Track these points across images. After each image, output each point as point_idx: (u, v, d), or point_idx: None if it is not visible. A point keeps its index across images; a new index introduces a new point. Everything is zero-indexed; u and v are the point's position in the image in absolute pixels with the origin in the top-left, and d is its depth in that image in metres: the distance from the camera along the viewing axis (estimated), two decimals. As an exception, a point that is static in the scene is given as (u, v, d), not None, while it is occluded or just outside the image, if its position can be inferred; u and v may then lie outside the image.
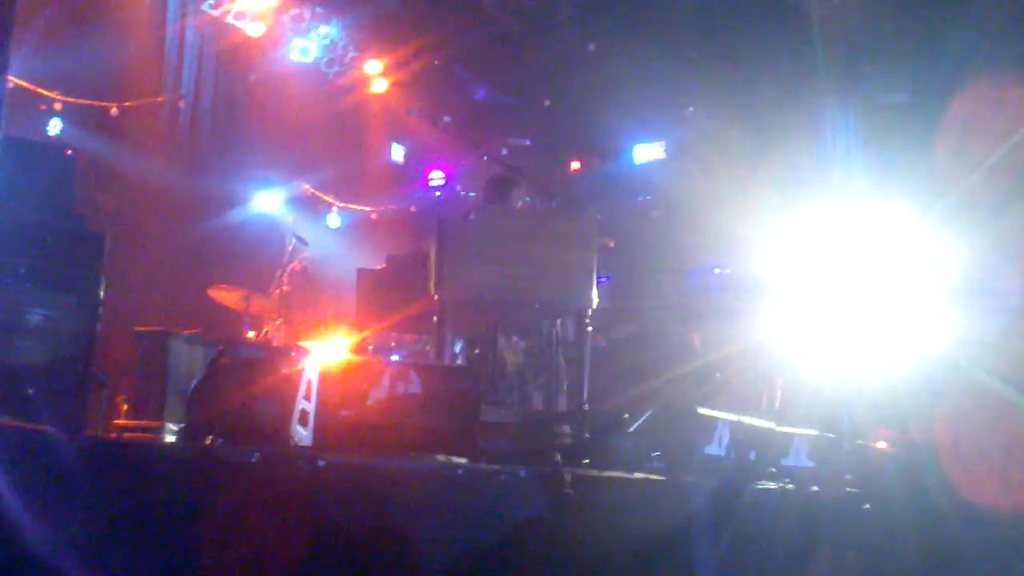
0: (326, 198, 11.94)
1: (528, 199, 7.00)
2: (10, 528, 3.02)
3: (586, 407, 5.85)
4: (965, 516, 6.07)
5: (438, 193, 13.67)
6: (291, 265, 8.95)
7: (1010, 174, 8.73)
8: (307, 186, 11.61)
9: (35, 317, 5.00)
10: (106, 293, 5.46)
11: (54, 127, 9.04)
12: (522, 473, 4.26)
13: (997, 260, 8.48)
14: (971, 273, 8.58)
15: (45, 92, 8.82)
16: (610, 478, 4.74)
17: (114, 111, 9.63)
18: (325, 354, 6.61)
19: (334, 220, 12.13)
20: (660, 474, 5.21)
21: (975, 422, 6.75)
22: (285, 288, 8.74)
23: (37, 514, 3.09)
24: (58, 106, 9.02)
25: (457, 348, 6.62)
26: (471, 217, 6.66)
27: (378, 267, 7.10)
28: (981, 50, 9.95)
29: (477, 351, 6.68)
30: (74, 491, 3.18)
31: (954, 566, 5.86)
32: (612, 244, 6.25)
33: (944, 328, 8.27)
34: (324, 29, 11.31)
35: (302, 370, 4.63)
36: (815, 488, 5.75)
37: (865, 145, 13.18)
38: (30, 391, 4.80)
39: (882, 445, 7.42)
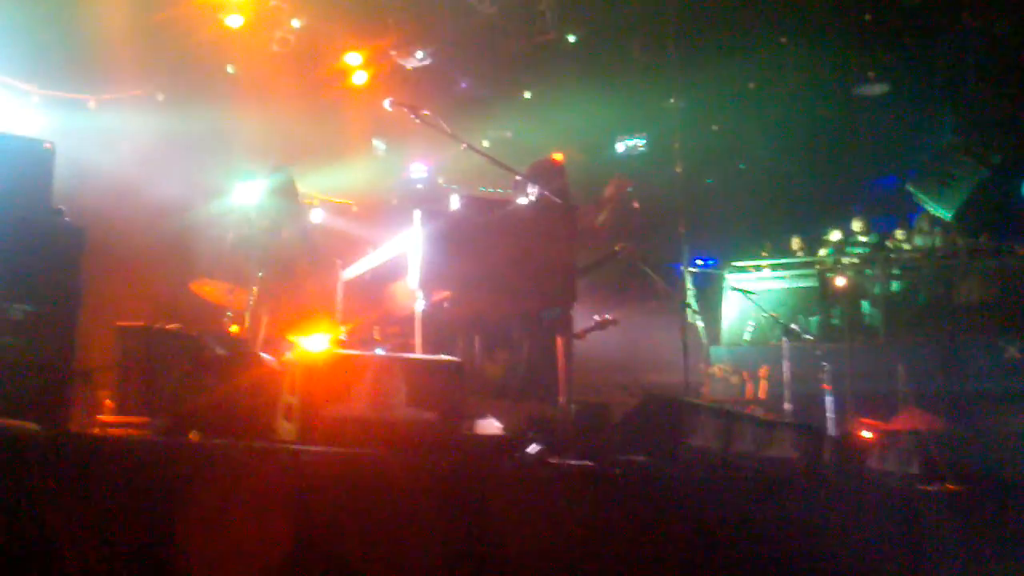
0: (306, 191, 11.89)
1: (511, 190, 6.98)
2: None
3: (571, 399, 5.85)
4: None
5: (419, 186, 13.65)
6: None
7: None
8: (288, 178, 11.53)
9: (16, 313, 4.96)
10: (87, 288, 5.41)
11: (33, 120, 8.96)
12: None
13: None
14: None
15: (23, 85, 8.75)
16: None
17: (92, 104, 9.58)
18: (309, 347, 6.59)
19: (316, 214, 12.08)
20: (645, 465, 5.22)
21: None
22: (273, 283, 8.68)
23: (20, 511, 3.06)
24: (36, 99, 8.95)
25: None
26: (452, 210, 6.65)
27: (360, 260, 7.07)
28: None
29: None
30: (58, 488, 3.15)
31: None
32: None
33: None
34: (303, 20, 11.25)
35: (286, 364, 4.61)
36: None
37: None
38: (12, 388, 4.75)
39: (866, 435, 7.47)
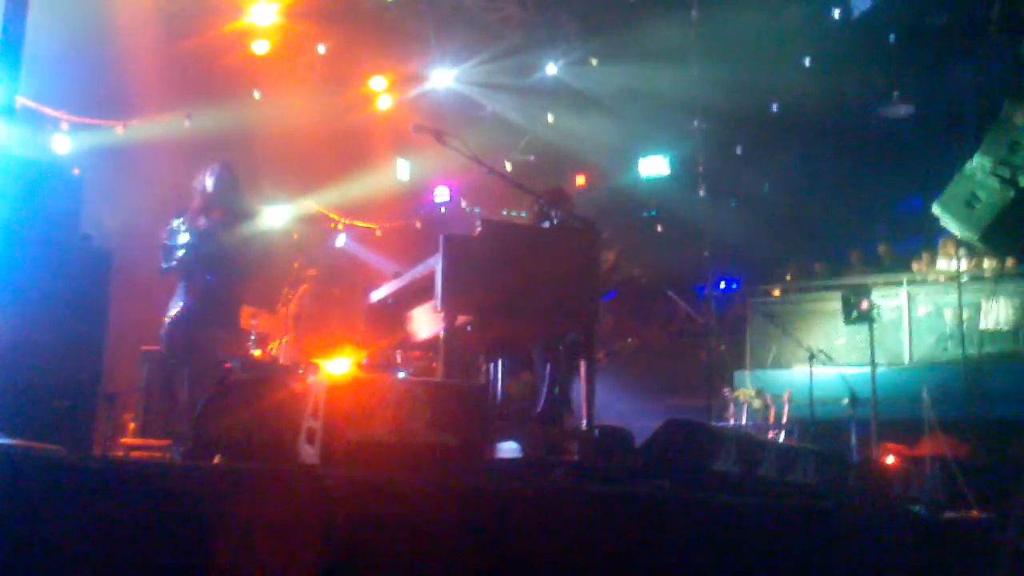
0: (332, 215, 11.98)
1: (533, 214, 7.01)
2: (19, 547, 3.03)
3: (593, 423, 5.84)
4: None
5: (443, 209, 13.70)
6: (300, 285, 8.95)
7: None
8: (313, 203, 11.65)
9: (44, 336, 5.01)
10: (113, 312, 5.47)
11: (61, 146, 9.08)
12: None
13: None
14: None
15: (52, 112, 8.86)
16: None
17: (120, 130, 9.69)
18: (332, 371, 6.62)
19: (340, 238, 12.16)
20: (669, 490, 5.20)
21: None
22: (294, 307, 8.75)
23: (46, 534, 3.09)
24: (65, 125, 9.07)
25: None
26: (476, 233, 6.67)
27: (384, 284, 7.10)
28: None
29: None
30: (83, 511, 3.18)
31: None
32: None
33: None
34: (328, 46, 11.36)
35: (309, 387, 4.63)
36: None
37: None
38: (38, 410, 4.80)
39: (890, 460, 7.41)
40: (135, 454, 6.44)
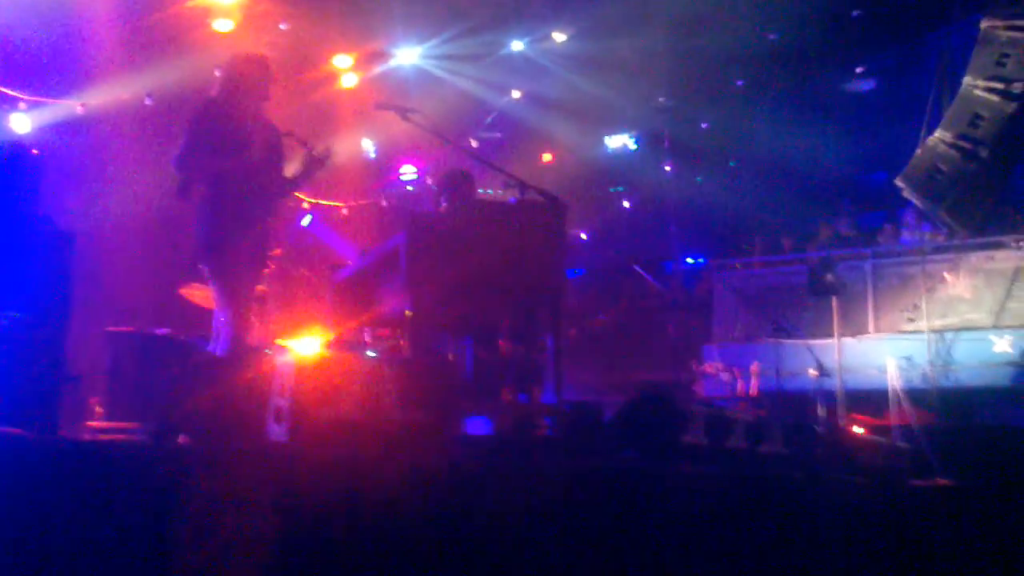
0: (297, 195, 11.88)
1: (501, 191, 7.01)
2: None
3: (562, 397, 5.86)
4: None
5: (409, 187, 13.65)
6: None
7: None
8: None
9: (5, 319, 4.96)
10: (77, 293, 5.41)
11: (20, 126, 8.94)
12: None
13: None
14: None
15: (9, 91, 8.73)
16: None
17: (80, 109, 9.56)
18: (299, 351, 6.59)
19: (306, 218, 12.07)
20: (638, 464, 5.23)
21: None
22: (262, 288, 8.68)
23: (11, 518, 3.06)
24: (23, 105, 8.93)
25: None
26: (442, 211, 6.66)
27: (350, 263, 7.07)
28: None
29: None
30: (48, 494, 3.15)
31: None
32: (584, 236, 6.27)
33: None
34: (292, 24, 11.24)
35: (277, 367, 4.61)
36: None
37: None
38: (2, 394, 4.75)
39: (858, 430, 7.49)
40: (102, 436, 6.39)
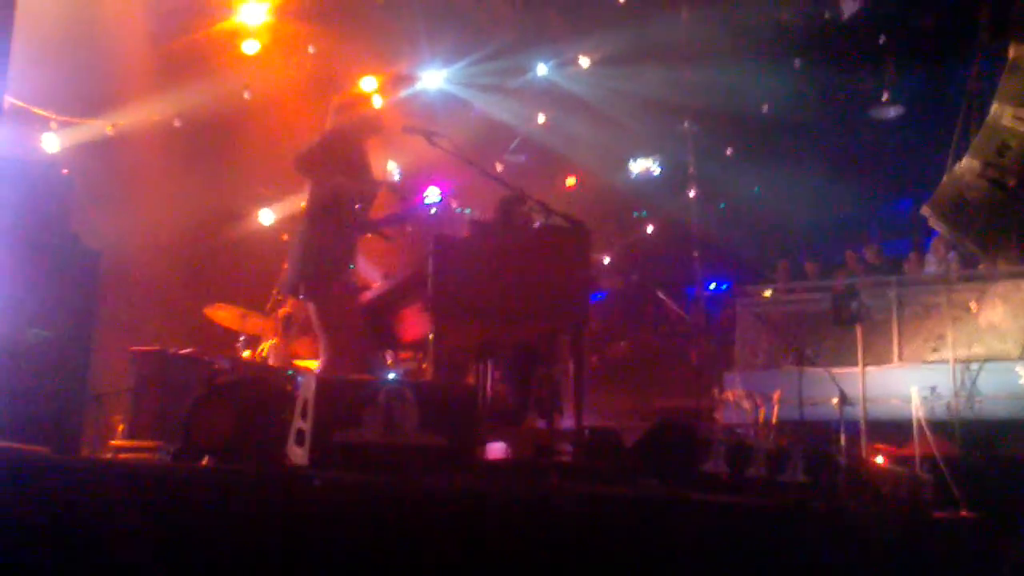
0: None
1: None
2: (8, 551, 3.01)
3: (583, 423, 5.84)
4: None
5: (433, 210, 13.67)
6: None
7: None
8: (303, 203, 11.60)
9: (31, 337, 4.99)
10: (102, 312, 5.44)
11: (50, 146, 9.03)
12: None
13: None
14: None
15: (40, 111, 8.83)
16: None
17: (109, 130, 9.66)
18: (321, 373, 6.59)
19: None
20: (658, 491, 5.21)
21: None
22: (287, 309, 8.71)
23: (34, 536, 3.08)
24: (54, 125, 9.03)
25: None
26: (466, 234, 6.67)
27: (374, 285, 7.09)
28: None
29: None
30: (70, 513, 3.17)
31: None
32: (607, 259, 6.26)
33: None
34: (319, 47, 11.33)
35: (298, 389, 4.62)
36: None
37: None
38: (25, 412, 4.78)
39: (880, 460, 7.42)
40: (123, 456, 6.41)
